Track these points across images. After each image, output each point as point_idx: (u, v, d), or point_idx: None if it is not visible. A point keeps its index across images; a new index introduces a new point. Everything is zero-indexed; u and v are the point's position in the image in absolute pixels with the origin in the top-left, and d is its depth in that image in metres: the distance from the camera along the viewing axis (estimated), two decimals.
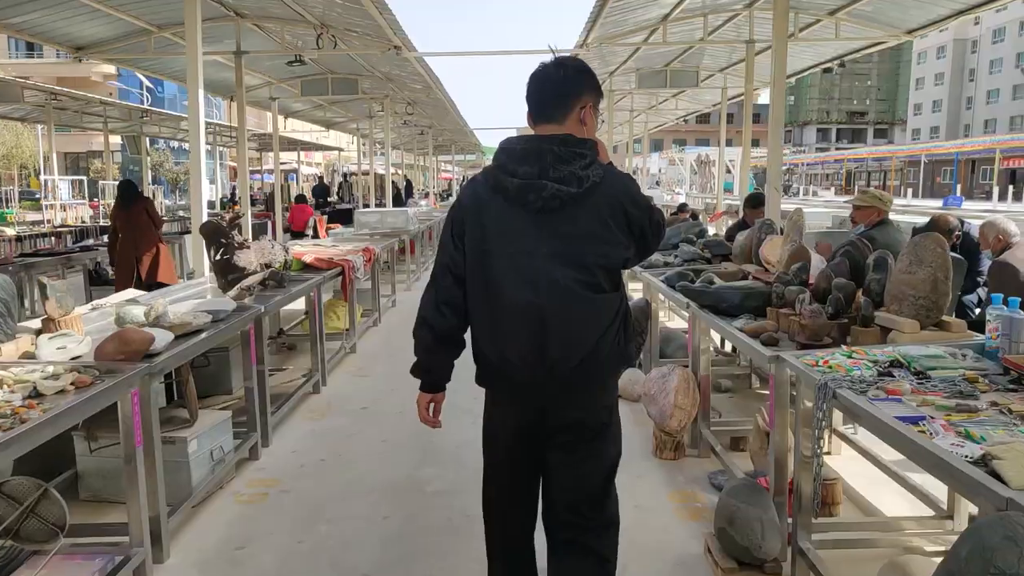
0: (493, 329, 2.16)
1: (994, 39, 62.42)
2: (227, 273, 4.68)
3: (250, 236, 10.80)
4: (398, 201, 21.00)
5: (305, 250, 6.94)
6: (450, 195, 40.10)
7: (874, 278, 3.30)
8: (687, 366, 4.38)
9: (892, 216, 5.08)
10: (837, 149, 73.45)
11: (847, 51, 10.71)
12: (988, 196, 34.10)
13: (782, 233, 4.98)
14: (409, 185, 28.16)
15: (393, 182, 24.49)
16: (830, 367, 2.65)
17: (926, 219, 6.18)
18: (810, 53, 11.55)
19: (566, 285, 2.06)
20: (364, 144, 27.16)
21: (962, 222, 5.41)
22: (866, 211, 4.87)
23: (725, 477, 3.86)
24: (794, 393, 2.93)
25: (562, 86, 2.15)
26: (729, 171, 26.31)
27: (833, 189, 51.64)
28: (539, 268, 2.06)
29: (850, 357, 2.74)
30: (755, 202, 6.41)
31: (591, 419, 2.21)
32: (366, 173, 22.72)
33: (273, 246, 5.31)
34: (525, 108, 2.22)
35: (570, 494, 2.23)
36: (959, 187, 36.95)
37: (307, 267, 6.34)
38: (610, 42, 9.62)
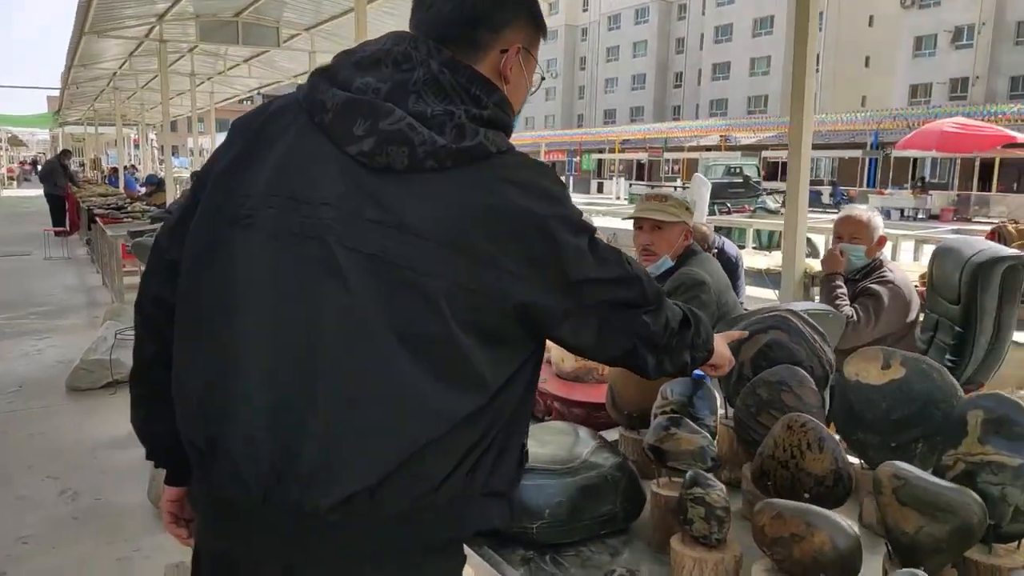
0: (209, 381, 1.02)
1: None
2: None
3: None
4: None
5: None
6: None
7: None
8: None
9: None
10: None
11: None
12: None
13: None
14: None
15: None
16: None
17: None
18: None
19: (367, 323, 0.95)
20: None
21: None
22: (669, 232, 2.69)
23: None
24: None
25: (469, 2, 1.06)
26: None
27: None
28: (326, 276, 0.96)
29: None
30: None
31: None
32: None
33: None
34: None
35: None
36: None
37: None
38: None
